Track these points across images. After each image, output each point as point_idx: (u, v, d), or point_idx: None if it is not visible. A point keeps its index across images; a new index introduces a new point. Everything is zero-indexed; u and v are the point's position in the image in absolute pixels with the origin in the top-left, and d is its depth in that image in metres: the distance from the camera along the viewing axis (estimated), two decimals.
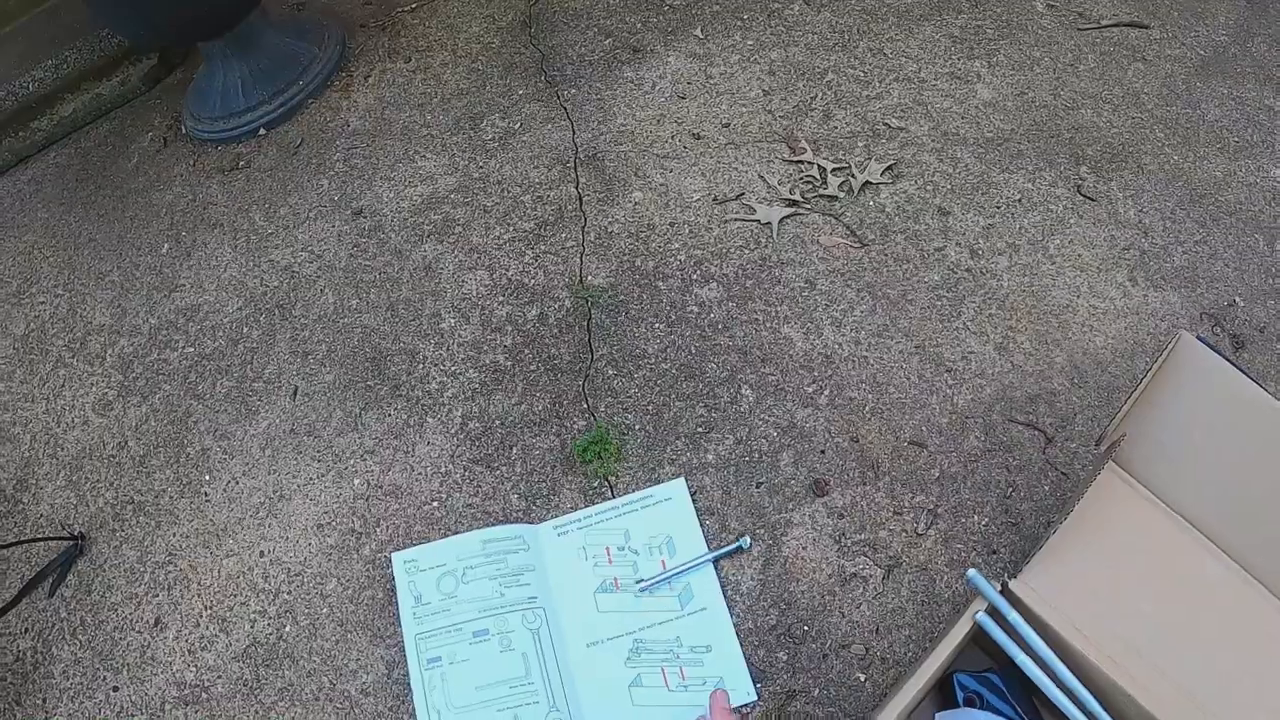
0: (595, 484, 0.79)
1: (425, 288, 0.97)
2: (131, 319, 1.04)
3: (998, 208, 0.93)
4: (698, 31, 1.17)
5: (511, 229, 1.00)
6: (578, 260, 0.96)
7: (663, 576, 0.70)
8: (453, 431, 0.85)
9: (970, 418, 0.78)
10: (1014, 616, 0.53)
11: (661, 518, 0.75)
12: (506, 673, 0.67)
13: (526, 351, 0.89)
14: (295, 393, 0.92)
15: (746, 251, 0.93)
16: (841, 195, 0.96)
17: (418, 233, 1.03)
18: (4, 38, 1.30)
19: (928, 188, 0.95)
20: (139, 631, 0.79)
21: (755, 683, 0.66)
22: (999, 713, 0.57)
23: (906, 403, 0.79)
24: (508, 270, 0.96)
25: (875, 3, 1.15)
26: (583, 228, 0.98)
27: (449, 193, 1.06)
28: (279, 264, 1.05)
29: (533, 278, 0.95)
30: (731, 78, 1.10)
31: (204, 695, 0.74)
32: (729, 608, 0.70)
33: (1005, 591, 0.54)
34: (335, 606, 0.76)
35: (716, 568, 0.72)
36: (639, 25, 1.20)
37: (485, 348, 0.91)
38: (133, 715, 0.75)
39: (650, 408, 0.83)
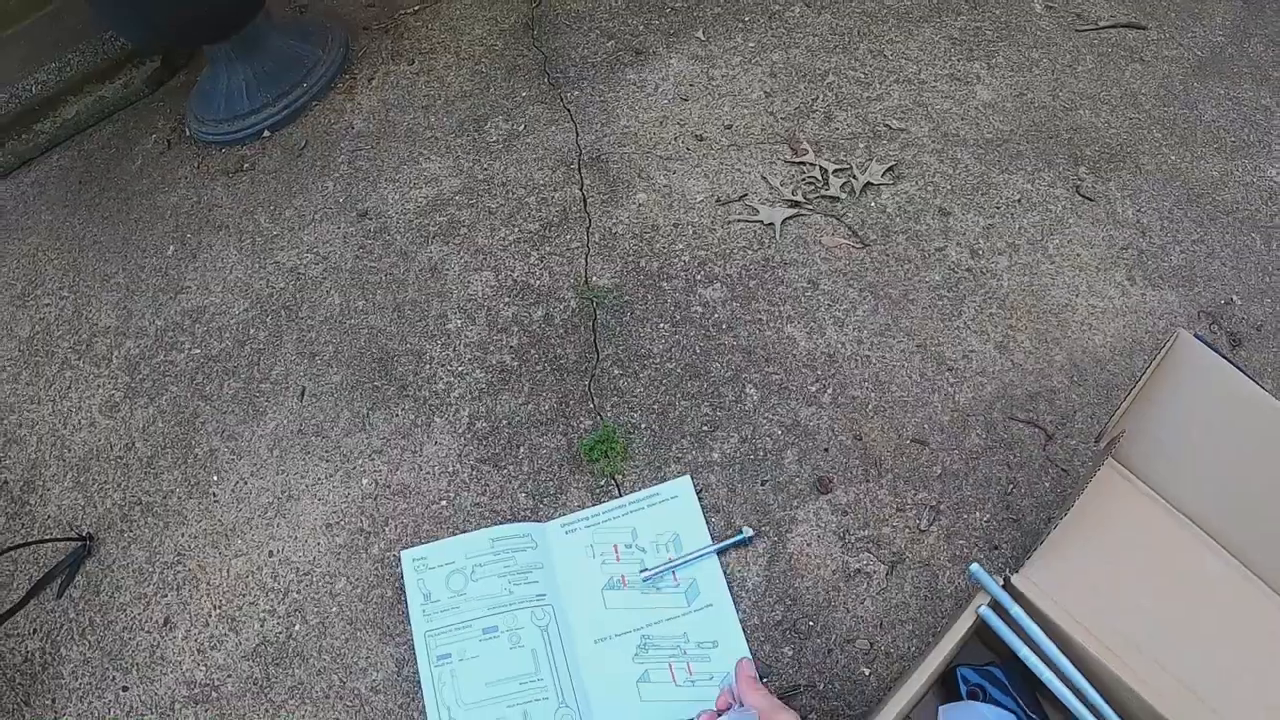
0: (602, 482, 0.80)
1: (431, 289, 0.98)
2: (137, 321, 1.05)
3: (997, 208, 0.94)
4: (699, 34, 1.17)
5: (516, 230, 1.01)
6: (583, 261, 0.96)
7: (666, 566, 0.71)
8: (460, 431, 0.86)
9: (971, 415, 0.79)
10: (1016, 611, 0.54)
11: (668, 515, 0.75)
12: (516, 669, 0.68)
13: (533, 352, 0.90)
14: (303, 393, 0.92)
15: (750, 252, 0.94)
16: (843, 196, 0.96)
17: (423, 234, 1.03)
18: (6, 40, 1.31)
19: (928, 188, 0.96)
20: (148, 631, 0.80)
21: (762, 678, 0.67)
22: (1002, 706, 0.58)
23: (909, 401, 0.80)
24: (513, 271, 0.97)
25: (875, 5, 1.16)
26: (587, 229, 0.99)
27: (454, 194, 1.07)
28: (285, 266, 1.05)
29: (538, 279, 0.96)
30: (733, 79, 1.11)
31: (214, 694, 0.75)
32: (735, 604, 0.71)
33: (1008, 586, 0.55)
34: (345, 605, 0.77)
35: (722, 564, 0.73)
36: (641, 27, 1.20)
37: (492, 348, 0.91)
38: (143, 715, 0.75)
39: (656, 407, 0.84)
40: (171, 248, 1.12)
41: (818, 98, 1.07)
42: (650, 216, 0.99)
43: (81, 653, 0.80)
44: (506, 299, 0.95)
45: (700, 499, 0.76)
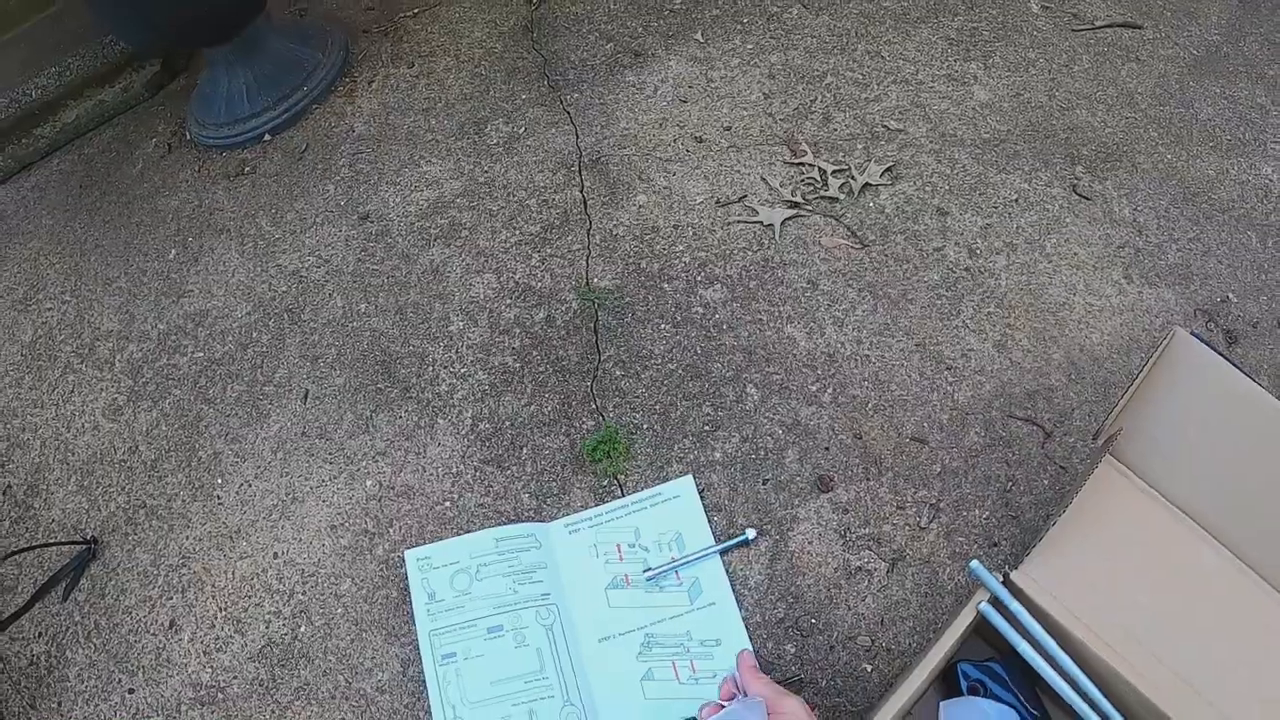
0: (605, 483, 0.80)
1: (433, 291, 0.98)
2: (140, 324, 1.05)
3: (995, 208, 0.94)
4: (698, 36, 1.18)
5: (518, 232, 1.01)
6: (584, 263, 0.97)
7: (669, 566, 0.72)
8: (463, 432, 0.86)
9: (970, 414, 0.79)
10: (1016, 606, 0.54)
11: (670, 515, 0.76)
12: (521, 668, 0.69)
13: (535, 353, 0.91)
14: (306, 396, 0.93)
15: (749, 253, 0.94)
16: (842, 197, 0.97)
17: (424, 237, 1.04)
18: (6, 43, 1.31)
19: (926, 189, 0.97)
20: (154, 634, 0.80)
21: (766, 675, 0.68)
22: (1002, 701, 0.58)
23: (908, 400, 0.81)
24: (514, 273, 0.98)
25: (873, 6, 1.17)
26: (588, 231, 1.00)
27: (455, 197, 1.07)
28: (287, 269, 1.05)
29: (539, 280, 0.96)
30: (732, 81, 1.11)
31: (220, 696, 0.75)
32: (738, 602, 0.71)
33: (1007, 582, 0.55)
34: (350, 606, 0.78)
35: (724, 563, 0.73)
36: (640, 30, 1.21)
37: (494, 350, 0.92)
38: (149, 717, 0.76)
39: (657, 407, 0.84)
40: (173, 251, 1.12)
41: (816, 99, 1.07)
42: (650, 218, 0.99)
43: (87, 656, 0.81)
44: (508, 301, 0.95)
45: (702, 498, 0.77)
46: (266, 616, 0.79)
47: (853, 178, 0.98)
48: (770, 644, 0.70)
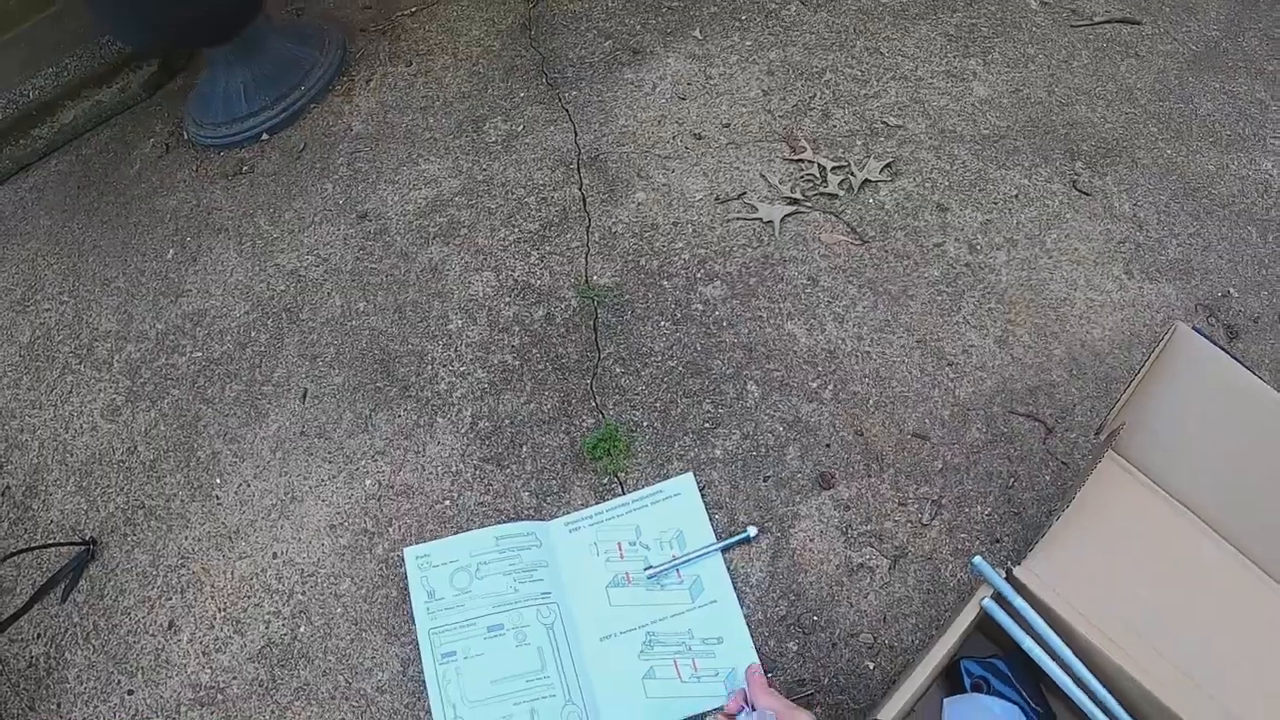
0: (605, 480, 0.80)
1: (432, 289, 0.98)
2: (138, 324, 1.05)
3: (995, 204, 0.94)
4: (696, 33, 1.18)
5: (516, 230, 1.01)
6: (583, 260, 0.97)
7: (671, 564, 0.72)
8: (463, 431, 0.86)
9: (972, 410, 0.79)
10: (1019, 602, 0.54)
11: (671, 513, 0.76)
12: (522, 667, 0.68)
13: (534, 351, 0.90)
14: (305, 395, 0.92)
15: (749, 250, 0.94)
16: (841, 193, 0.97)
17: (423, 235, 1.04)
18: (5, 44, 1.30)
19: (926, 185, 0.97)
20: (153, 635, 0.80)
21: (766, 673, 0.67)
22: (1005, 697, 0.58)
23: (909, 396, 0.81)
24: (514, 271, 0.97)
25: (871, 2, 1.17)
26: (587, 228, 0.99)
27: (453, 195, 1.07)
28: (285, 268, 1.05)
29: (539, 278, 0.96)
30: (731, 78, 1.11)
31: (219, 697, 0.75)
32: (739, 599, 0.71)
33: (1010, 578, 0.55)
34: (349, 606, 0.77)
35: (726, 560, 0.73)
36: (638, 27, 1.21)
37: (493, 348, 0.92)
38: (149, 718, 0.75)
39: (658, 404, 0.84)
40: (171, 251, 1.12)
41: (815, 95, 1.07)
42: (650, 215, 0.99)
43: (86, 657, 0.80)
44: (507, 299, 0.95)
45: (703, 496, 0.77)
46: (266, 617, 0.78)
47: (852, 174, 0.98)
48: (772, 642, 0.69)
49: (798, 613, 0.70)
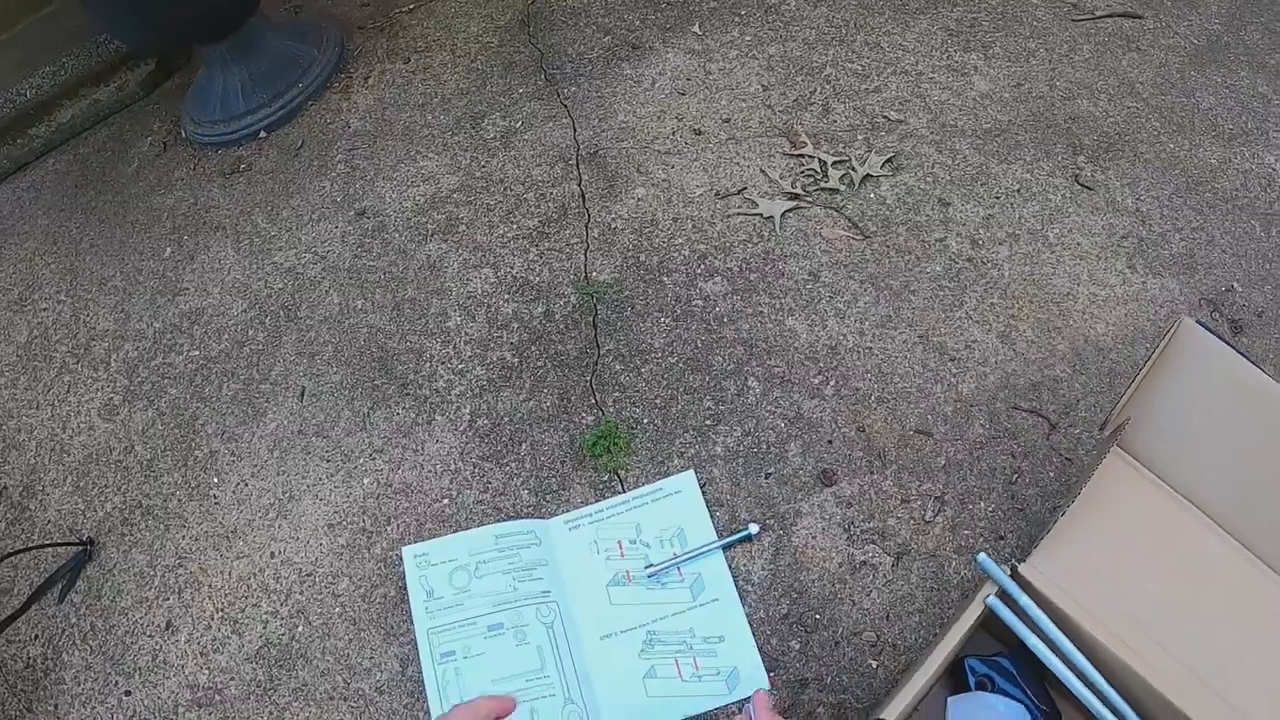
0: (605, 478, 0.79)
1: (430, 286, 0.98)
2: (135, 323, 1.04)
3: (997, 198, 0.93)
4: (696, 28, 1.17)
5: (515, 227, 1.01)
6: (582, 256, 0.96)
7: (671, 562, 0.71)
8: (462, 429, 0.85)
9: (975, 406, 0.79)
10: (1025, 600, 0.54)
11: (672, 510, 0.75)
12: (522, 666, 0.68)
13: (533, 348, 0.90)
14: (303, 393, 0.92)
15: (750, 245, 0.93)
16: (842, 188, 0.96)
17: (421, 232, 1.03)
18: (3, 43, 1.30)
19: (927, 179, 0.96)
20: (150, 635, 0.80)
21: (768, 672, 0.67)
22: (1009, 696, 0.58)
23: (911, 392, 0.80)
24: (512, 268, 0.97)
25: None
26: (586, 224, 0.99)
27: (452, 192, 1.06)
28: (283, 266, 1.05)
29: (538, 275, 0.96)
30: (730, 73, 1.11)
31: (217, 697, 0.75)
32: (741, 598, 0.70)
33: (1015, 575, 0.55)
34: (348, 605, 0.77)
35: (727, 558, 0.72)
36: (637, 22, 1.20)
37: (492, 345, 0.91)
38: (146, 719, 0.75)
39: (658, 401, 0.83)
40: (169, 250, 1.11)
41: (815, 90, 1.07)
42: (649, 211, 0.99)
43: (83, 658, 0.80)
44: (506, 295, 0.95)
45: (704, 493, 0.76)
46: (264, 617, 0.78)
47: (853, 169, 0.97)
48: (774, 640, 0.69)
49: (800, 611, 0.70)
